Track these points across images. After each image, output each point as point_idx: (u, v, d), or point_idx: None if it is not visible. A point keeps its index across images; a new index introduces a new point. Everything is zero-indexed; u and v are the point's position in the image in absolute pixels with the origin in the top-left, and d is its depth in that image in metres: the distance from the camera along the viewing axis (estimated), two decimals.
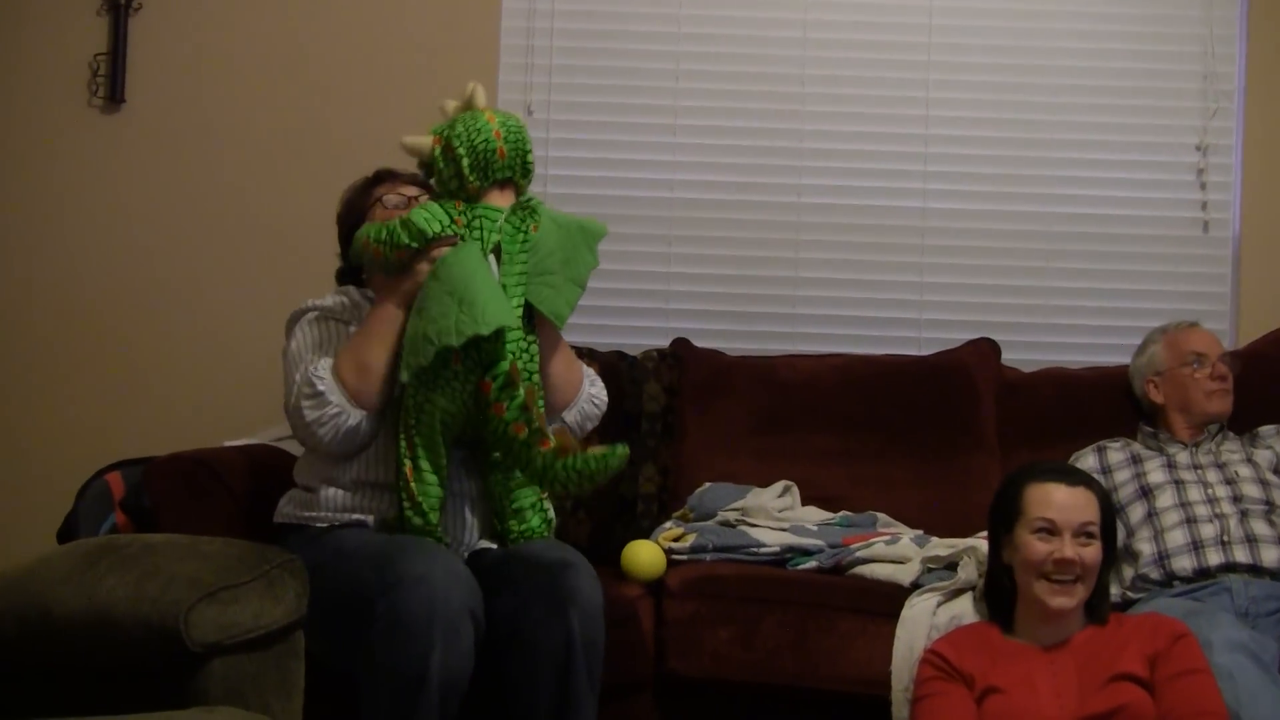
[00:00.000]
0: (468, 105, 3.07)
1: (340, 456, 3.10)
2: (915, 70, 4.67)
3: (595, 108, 4.67)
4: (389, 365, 3.01)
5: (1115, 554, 3.15)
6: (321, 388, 2.99)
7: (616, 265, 4.54)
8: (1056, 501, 3.08)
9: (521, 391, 2.93)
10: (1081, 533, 3.05)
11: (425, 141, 3.05)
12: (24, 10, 4.56)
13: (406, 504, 2.99)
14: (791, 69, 4.67)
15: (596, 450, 2.87)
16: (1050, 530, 3.05)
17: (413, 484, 2.97)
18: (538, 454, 2.89)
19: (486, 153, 3.00)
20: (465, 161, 3.00)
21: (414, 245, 2.99)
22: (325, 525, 3.11)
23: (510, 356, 2.96)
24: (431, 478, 2.99)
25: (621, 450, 2.85)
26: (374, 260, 3.05)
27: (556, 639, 2.89)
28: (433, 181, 3.14)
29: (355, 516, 3.11)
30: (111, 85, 4.52)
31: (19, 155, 4.54)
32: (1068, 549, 3.03)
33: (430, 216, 2.99)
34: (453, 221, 3.00)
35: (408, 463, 2.98)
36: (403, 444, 2.99)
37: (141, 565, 2.57)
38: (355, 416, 3.01)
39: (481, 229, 3.00)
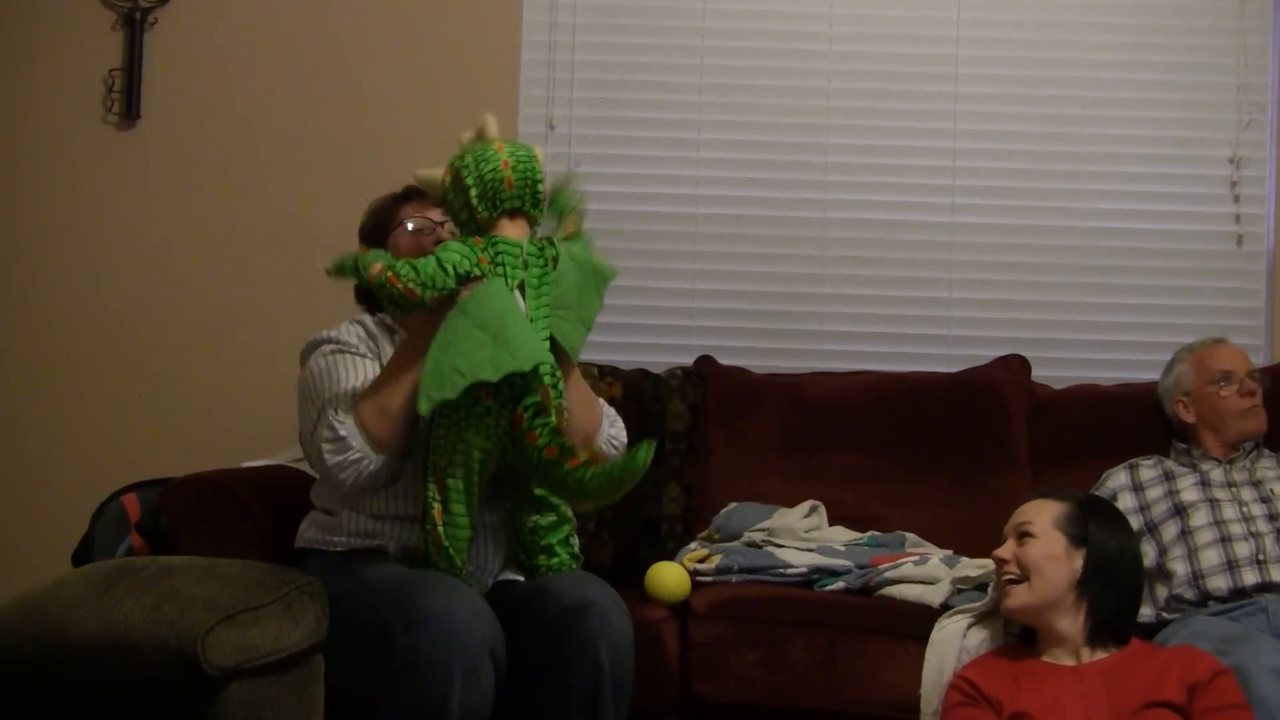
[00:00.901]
0: (480, 136, 3.06)
1: (361, 494, 3.11)
2: (943, 83, 4.67)
3: (618, 122, 4.68)
4: (412, 410, 2.96)
5: (1108, 566, 3.12)
6: (343, 433, 2.97)
7: (640, 282, 4.57)
8: (1013, 514, 3.23)
9: (553, 416, 2.94)
10: (1018, 533, 3.16)
11: (437, 173, 3.04)
12: (38, 25, 4.59)
13: (432, 546, 2.97)
14: (817, 81, 4.67)
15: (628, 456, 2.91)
16: (1004, 540, 3.19)
17: (440, 528, 2.95)
18: (569, 472, 2.90)
19: (494, 183, 2.98)
20: (473, 192, 2.98)
21: (455, 287, 2.95)
22: (345, 549, 3.12)
23: (541, 386, 2.96)
24: (463, 520, 2.96)
25: (645, 448, 2.86)
26: (401, 297, 2.93)
27: (585, 677, 2.88)
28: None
29: (377, 542, 3.11)
30: (127, 101, 4.54)
31: (33, 173, 4.57)
32: (1001, 547, 3.16)
33: (461, 257, 2.95)
34: (478, 259, 2.98)
35: (436, 505, 2.95)
36: (431, 487, 2.96)
37: (159, 588, 2.58)
38: (377, 462, 2.99)
39: (504, 264, 2.98)
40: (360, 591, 2.93)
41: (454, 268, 2.93)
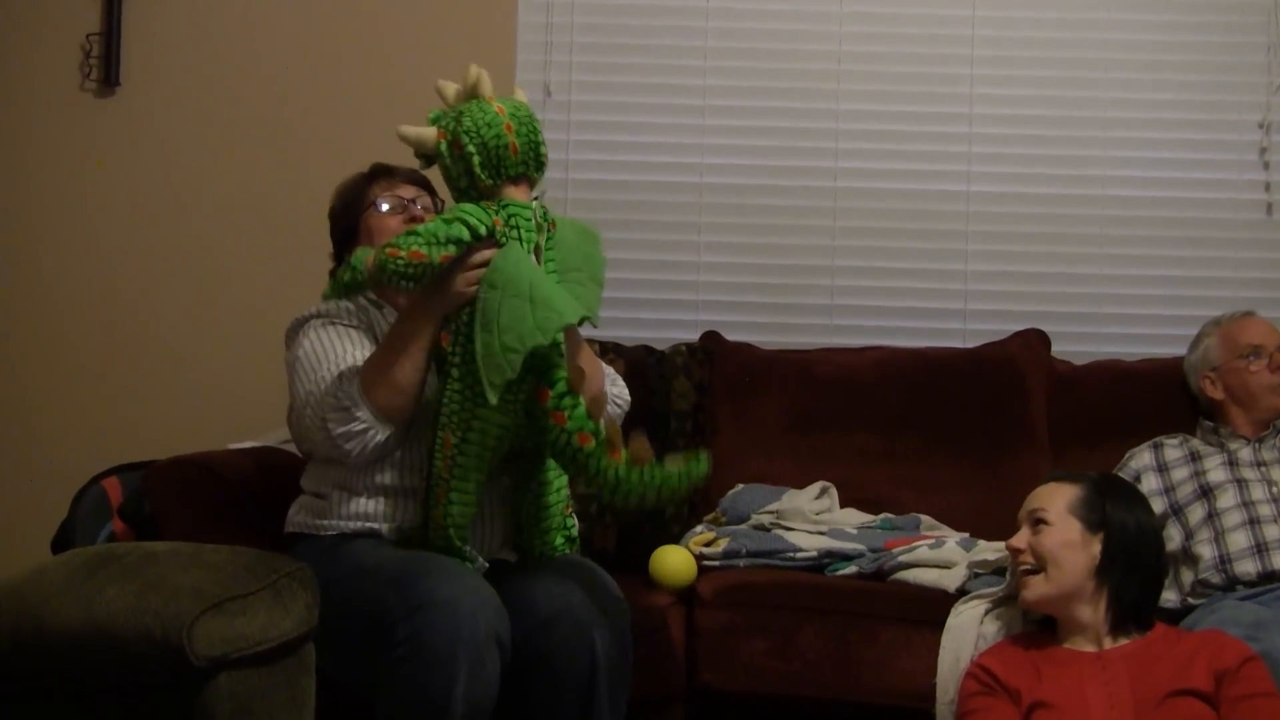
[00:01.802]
0: (471, 93, 2.99)
1: (362, 467, 3.10)
2: (959, 45, 4.65)
3: (619, 88, 4.67)
4: (419, 383, 2.97)
5: (1127, 551, 3.11)
6: (347, 403, 2.96)
7: (643, 255, 4.57)
8: (1027, 498, 3.22)
9: (583, 399, 2.93)
10: (1032, 520, 3.15)
11: (428, 134, 2.96)
12: None
13: (432, 524, 2.97)
14: (827, 45, 4.66)
15: (675, 463, 2.88)
16: (1018, 528, 3.18)
17: (444, 506, 2.94)
18: (609, 465, 2.87)
19: (498, 149, 2.93)
20: (476, 159, 2.92)
21: (467, 241, 2.90)
22: (337, 533, 3.11)
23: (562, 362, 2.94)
24: (470, 498, 2.96)
25: (704, 460, 2.84)
26: (408, 266, 2.85)
27: (580, 662, 2.89)
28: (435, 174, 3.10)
29: (370, 525, 3.11)
30: (105, 67, 4.53)
31: (8, 141, 4.56)
32: (1015, 536, 3.16)
33: (477, 220, 2.90)
34: (493, 221, 2.93)
35: (443, 484, 2.94)
36: (439, 463, 2.94)
37: (143, 575, 2.58)
38: (383, 433, 2.99)
39: (519, 227, 2.95)
40: (356, 577, 2.93)
41: (471, 222, 2.89)
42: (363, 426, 2.97)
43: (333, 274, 3.27)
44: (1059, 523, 3.12)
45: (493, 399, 2.81)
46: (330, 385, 3.02)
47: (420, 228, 2.88)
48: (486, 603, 2.82)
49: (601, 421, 2.91)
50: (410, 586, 2.80)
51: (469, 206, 2.93)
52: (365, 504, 3.11)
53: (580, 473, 2.93)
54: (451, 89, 3.02)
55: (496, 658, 2.81)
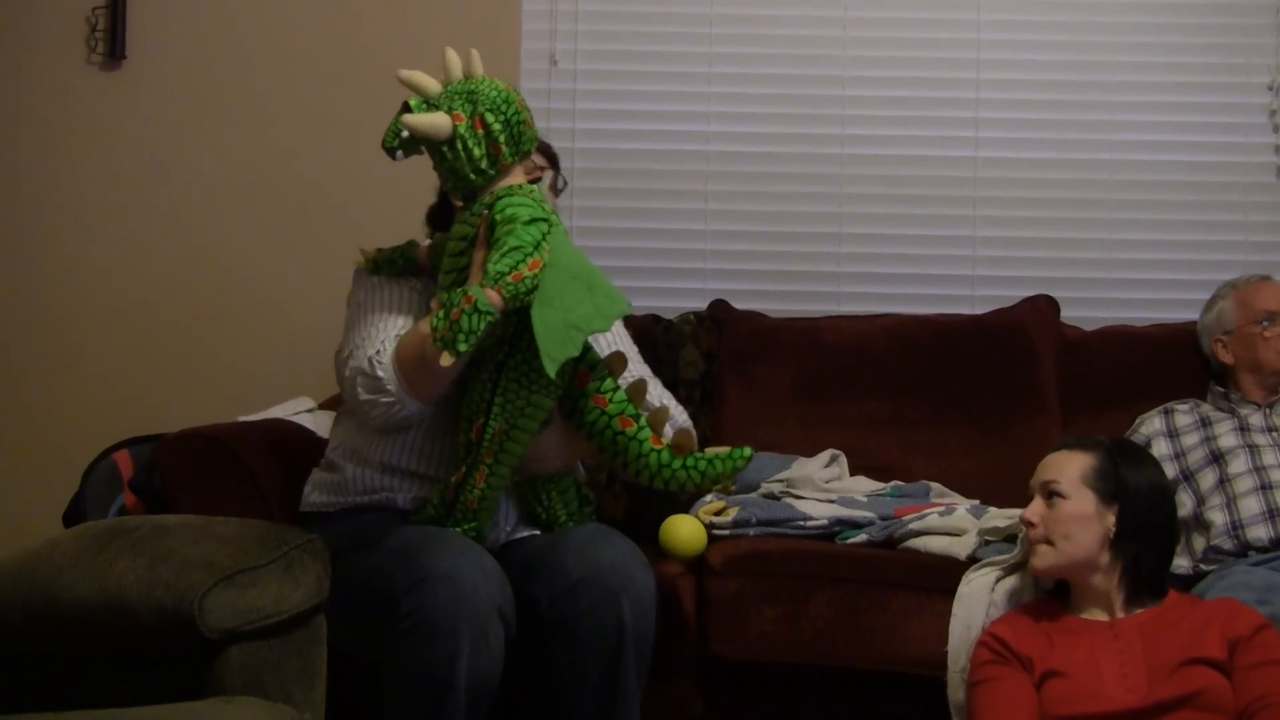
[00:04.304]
0: (467, 74, 2.97)
1: (386, 432, 3.11)
2: (965, 9, 4.63)
3: (625, 56, 4.65)
4: (454, 368, 2.90)
5: (1142, 521, 3.08)
6: (380, 374, 2.96)
7: (650, 223, 4.57)
8: (1039, 466, 3.18)
9: (617, 381, 2.94)
10: (1045, 491, 3.11)
11: (441, 119, 2.91)
12: None
13: (461, 509, 2.96)
14: (834, 10, 4.64)
15: (718, 450, 2.94)
16: (1030, 496, 3.15)
17: (481, 490, 2.94)
18: (650, 451, 2.91)
19: (520, 123, 2.94)
20: (501, 135, 2.92)
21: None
22: (348, 506, 3.13)
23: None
24: (502, 483, 2.97)
25: (748, 451, 2.92)
26: (535, 277, 2.81)
27: (607, 629, 2.89)
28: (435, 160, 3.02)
29: (378, 498, 3.12)
30: (111, 41, 4.51)
31: (13, 116, 4.54)
32: (1028, 508, 3.12)
33: (537, 207, 2.89)
34: (540, 205, 2.92)
35: (482, 469, 2.93)
36: (483, 449, 2.93)
37: (154, 548, 2.57)
38: (411, 408, 2.99)
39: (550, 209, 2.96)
40: (364, 550, 2.94)
41: (538, 219, 2.87)
42: (389, 400, 2.97)
43: (432, 218, 3.33)
44: (1074, 494, 3.08)
45: (552, 371, 2.79)
46: (367, 352, 3.00)
47: (510, 240, 2.83)
48: (489, 575, 2.82)
49: (642, 406, 2.92)
50: (412, 560, 2.80)
51: (518, 199, 2.90)
52: (378, 478, 3.12)
53: (620, 455, 2.96)
54: (430, 82, 2.97)
55: (500, 630, 2.82)
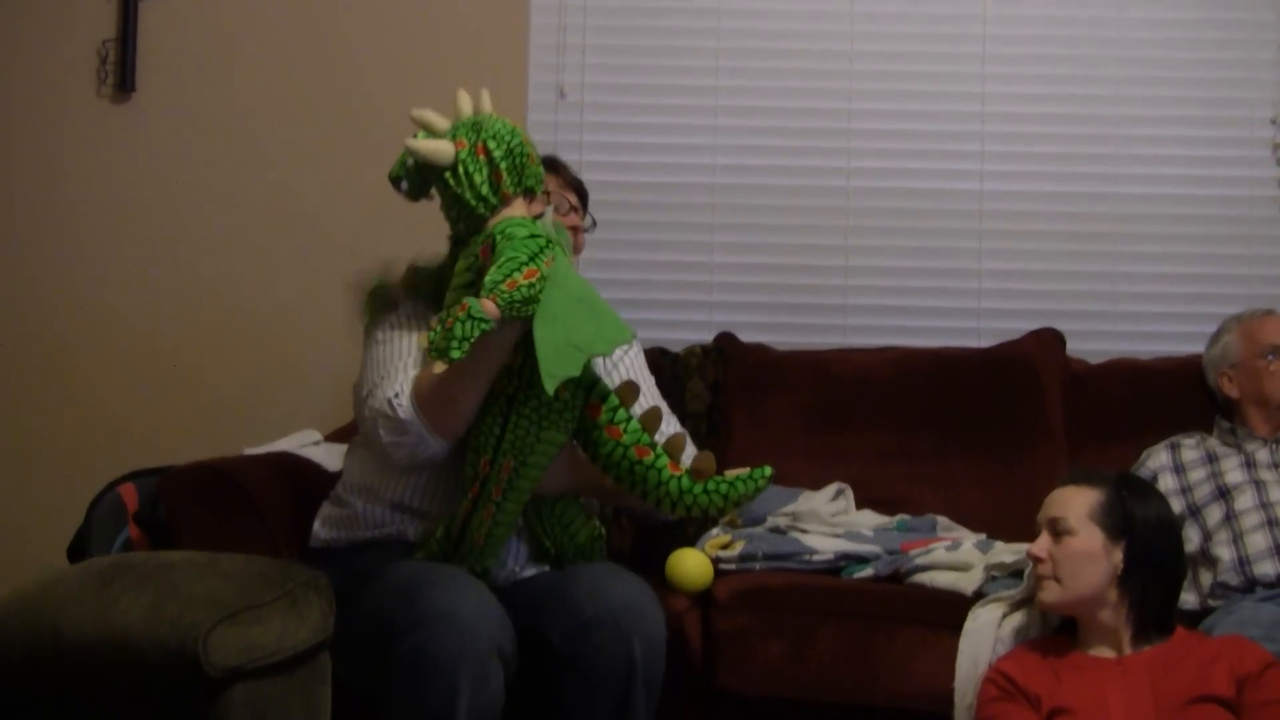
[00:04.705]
0: (476, 110, 2.98)
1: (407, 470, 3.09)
2: (971, 44, 4.62)
3: (631, 88, 4.64)
4: (477, 400, 2.90)
5: (1150, 558, 3.06)
6: (402, 415, 2.92)
7: (656, 255, 4.56)
8: (1045, 502, 3.15)
9: (632, 411, 2.93)
10: (1053, 528, 3.08)
11: (445, 146, 2.91)
12: None
13: (471, 547, 2.94)
14: (839, 43, 4.63)
15: (738, 472, 2.91)
16: (1037, 531, 3.12)
17: (490, 528, 2.92)
18: (671, 478, 2.89)
19: (523, 156, 2.94)
20: (504, 165, 2.91)
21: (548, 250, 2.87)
22: (354, 542, 3.11)
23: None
24: (512, 520, 2.96)
25: (768, 470, 2.89)
26: (532, 286, 2.78)
27: (618, 667, 2.87)
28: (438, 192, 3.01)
29: (388, 531, 3.10)
30: (121, 73, 4.51)
31: (24, 148, 4.54)
32: (1036, 543, 3.09)
33: (534, 225, 2.89)
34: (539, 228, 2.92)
35: (489, 506, 2.91)
36: (490, 487, 2.90)
37: (158, 585, 2.57)
38: (435, 446, 2.95)
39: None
40: (364, 586, 2.92)
41: (537, 236, 2.86)
42: (412, 441, 2.93)
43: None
44: (1081, 531, 3.05)
45: (550, 389, 2.74)
46: (386, 393, 2.96)
47: (506, 252, 2.81)
48: (488, 614, 2.80)
49: (658, 435, 2.91)
50: (412, 598, 2.78)
51: (515, 220, 2.89)
52: (387, 514, 3.10)
53: (639, 486, 2.93)
54: (441, 120, 2.97)
55: (500, 670, 2.79)
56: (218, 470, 3.37)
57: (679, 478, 2.91)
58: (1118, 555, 3.03)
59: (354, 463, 3.25)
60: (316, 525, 3.22)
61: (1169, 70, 4.61)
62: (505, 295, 2.73)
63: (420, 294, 3.18)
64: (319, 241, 4.43)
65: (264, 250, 4.50)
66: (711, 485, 2.91)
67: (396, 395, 2.93)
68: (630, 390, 2.97)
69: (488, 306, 2.71)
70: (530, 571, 3.15)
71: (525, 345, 2.85)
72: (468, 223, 2.97)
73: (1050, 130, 4.60)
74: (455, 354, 2.67)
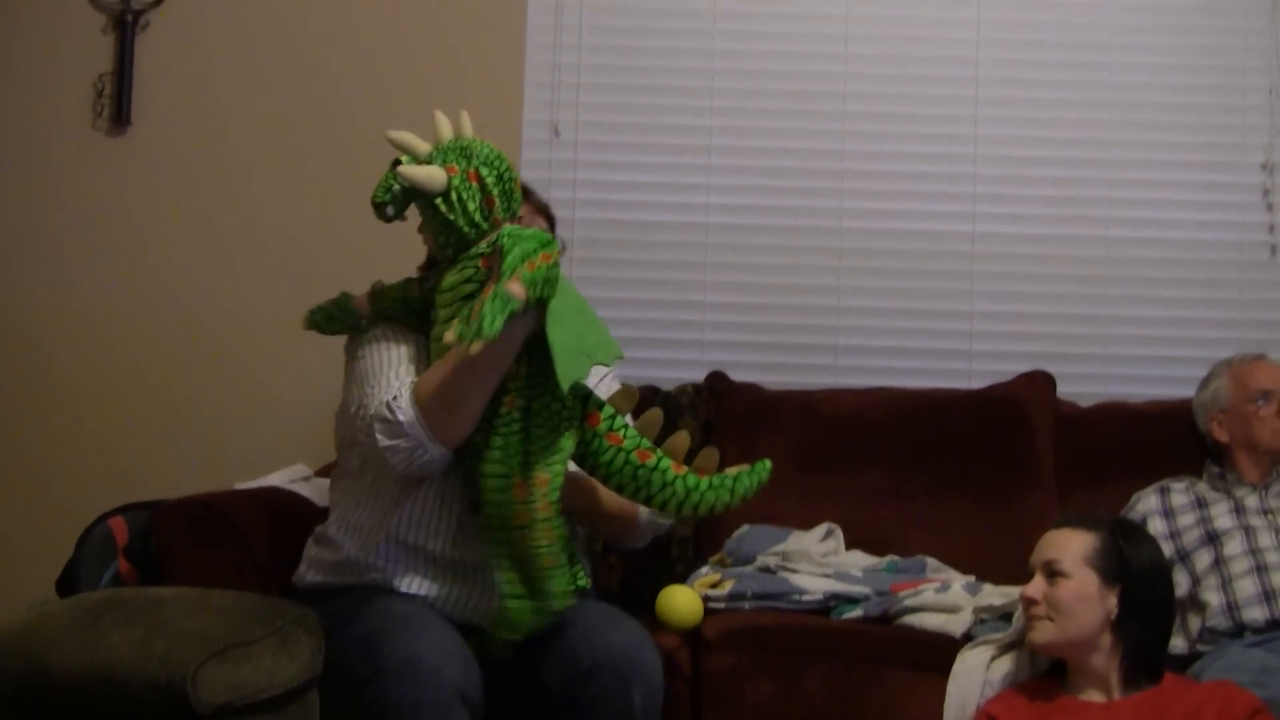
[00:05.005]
0: (457, 134, 2.98)
1: (410, 477, 2.99)
2: (963, 85, 4.64)
3: (625, 127, 4.65)
4: (480, 404, 2.86)
5: (1144, 603, 3.05)
6: (401, 417, 2.85)
7: (649, 294, 4.56)
8: (1039, 544, 3.14)
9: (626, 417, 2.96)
10: (1047, 570, 3.07)
11: (437, 171, 2.89)
12: (24, 27, 4.56)
13: (541, 579, 2.87)
14: (833, 85, 4.64)
15: (740, 468, 2.98)
16: (1030, 572, 3.11)
17: (544, 547, 2.85)
18: (676, 479, 2.91)
19: (511, 181, 2.95)
20: (495, 189, 2.91)
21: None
22: (340, 585, 3.07)
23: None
24: (563, 531, 2.91)
25: (768, 463, 3.00)
26: (552, 267, 2.82)
27: (617, 715, 2.87)
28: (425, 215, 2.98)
29: (374, 577, 3.04)
30: (117, 106, 4.51)
31: (19, 180, 4.54)
32: (1030, 585, 3.08)
33: (544, 234, 2.91)
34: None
35: (544, 523, 2.84)
36: (536, 503, 2.83)
37: (147, 620, 2.56)
38: (433, 451, 2.88)
39: None
40: (336, 632, 2.88)
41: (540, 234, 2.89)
42: (409, 445, 2.86)
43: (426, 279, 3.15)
44: (1076, 574, 3.05)
45: (566, 386, 2.77)
46: (382, 399, 2.91)
47: (517, 248, 2.82)
48: (451, 660, 2.77)
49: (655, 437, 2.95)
50: (374, 647, 2.76)
51: (517, 228, 2.93)
52: (380, 553, 3.03)
53: (643, 490, 2.94)
54: (420, 142, 2.97)
55: (465, 716, 2.76)
56: (208, 505, 3.37)
57: (683, 477, 2.92)
58: (1112, 600, 3.03)
59: (339, 497, 3.19)
60: (303, 568, 3.18)
61: (1161, 114, 4.63)
62: (528, 275, 2.74)
63: (386, 312, 3.14)
64: (313, 276, 4.41)
65: (257, 284, 4.50)
66: (716, 481, 2.94)
67: (395, 398, 2.88)
68: (626, 397, 2.97)
69: (513, 288, 2.71)
70: None
71: (530, 355, 2.87)
72: (456, 247, 2.96)
73: (1042, 173, 4.62)
74: (490, 330, 2.64)
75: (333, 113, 4.54)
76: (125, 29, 4.51)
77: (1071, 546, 3.08)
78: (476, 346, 2.66)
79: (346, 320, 3.15)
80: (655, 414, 3.01)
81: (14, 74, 4.55)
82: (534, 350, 2.86)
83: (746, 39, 4.65)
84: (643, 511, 3.22)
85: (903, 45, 4.65)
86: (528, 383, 2.90)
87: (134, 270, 4.52)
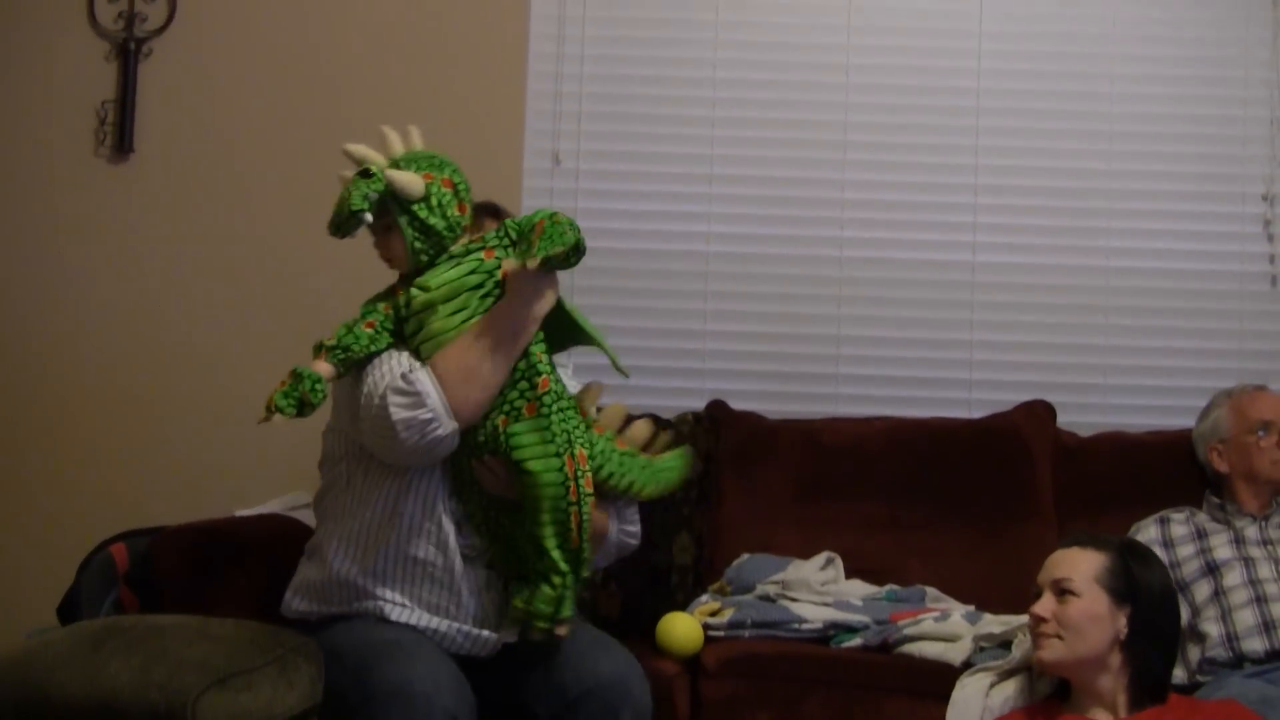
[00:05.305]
0: (408, 147, 3.07)
1: (416, 463, 2.98)
2: (964, 115, 4.66)
3: (626, 156, 4.67)
4: (500, 385, 2.91)
5: (1153, 624, 3.04)
6: (420, 387, 2.85)
7: (649, 323, 4.57)
8: (1047, 563, 3.11)
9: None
10: (1057, 589, 3.04)
11: (417, 179, 2.97)
12: (28, 55, 4.58)
13: (577, 564, 2.93)
14: (834, 115, 4.66)
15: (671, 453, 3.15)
16: (1037, 591, 3.08)
17: (582, 528, 2.93)
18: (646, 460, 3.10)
19: (469, 189, 3.04)
20: (465, 195, 3.01)
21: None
22: (327, 615, 3.05)
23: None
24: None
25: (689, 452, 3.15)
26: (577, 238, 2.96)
27: None
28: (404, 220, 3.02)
29: (365, 605, 3.01)
30: (119, 134, 4.53)
31: (22, 207, 4.55)
32: (1039, 603, 3.05)
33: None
34: None
35: (588, 498, 2.92)
36: (581, 481, 2.91)
37: (148, 649, 2.56)
38: (447, 428, 2.87)
39: None
40: (331, 662, 2.89)
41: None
42: (427, 416, 2.85)
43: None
44: (1086, 593, 3.02)
45: (614, 359, 3.05)
46: (396, 373, 2.90)
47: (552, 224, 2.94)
48: (442, 687, 2.77)
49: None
50: (366, 674, 2.77)
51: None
52: (367, 579, 3.01)
53: (626, 474, 3.08)
54: (376, 154, 3.05)
55: None
56: (209, 532, 3.38)
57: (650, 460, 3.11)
58: (1121, 620, 3.02)
59: (326, 511, 3.15)
60: (289, 595, 3.13)
61: (1161, 145, 4.64)
62: (571, 237, 2.93)
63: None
64: (313, 303, 4.43)
65: (259, 311, 4.50)
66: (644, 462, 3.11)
67: (410, 370, 2.89)
68: (593, 391, 3.07)
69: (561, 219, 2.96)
70: (510, 637, 3.07)
71: (550, 336, 3.02)
72: (433, 252, 3.00)
73: (1043, 203, 4.63)
74: (565, 239, 2.89)
75: (334, 142, 4.49)
76: (128, 57, 4.53)
77: (1081, 566, 3.06)
78: (534, 262, 2.83)
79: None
80: (616, 407, 3.10)
81: (17, 100, 4.57)
82: (554, 337, 3.02)
83: (747, 68, 4.67)
84: (612, 528, 3.22)
85: (903, 75, 4.67)
86: (553, 367, 3.01)
87: (136, 296, 4.53)
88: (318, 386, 2.86)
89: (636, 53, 4.68)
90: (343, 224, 2.97)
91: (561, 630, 2.92)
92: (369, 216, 2.96)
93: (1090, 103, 4.64)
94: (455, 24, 4.62)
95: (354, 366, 2.93)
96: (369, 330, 2.96)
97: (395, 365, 2.94)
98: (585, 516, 2.90)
